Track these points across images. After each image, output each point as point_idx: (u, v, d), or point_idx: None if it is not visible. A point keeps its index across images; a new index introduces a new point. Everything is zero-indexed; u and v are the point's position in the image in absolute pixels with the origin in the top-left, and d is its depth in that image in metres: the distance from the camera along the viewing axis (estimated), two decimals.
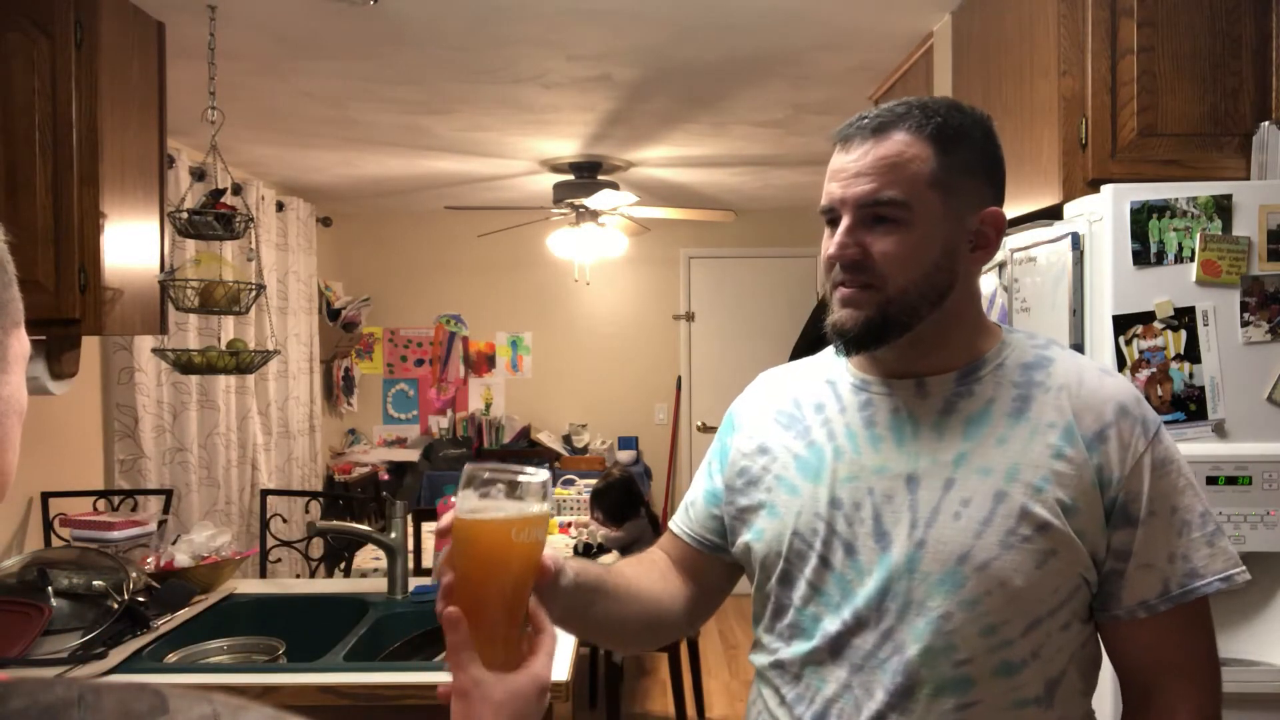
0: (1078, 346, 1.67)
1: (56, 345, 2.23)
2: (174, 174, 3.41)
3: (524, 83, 3.05)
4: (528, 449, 5.58)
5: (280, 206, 4.66)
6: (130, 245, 2.25)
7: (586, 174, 4.33)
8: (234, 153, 3.94)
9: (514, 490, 0.83)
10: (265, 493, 3.40)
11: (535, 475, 0.84)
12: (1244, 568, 0.98)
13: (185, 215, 2.37)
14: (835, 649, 0.99)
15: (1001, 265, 1.99)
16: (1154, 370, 1.62)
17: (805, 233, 5.63)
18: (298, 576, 4.11)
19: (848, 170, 0.99)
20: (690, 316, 5.91)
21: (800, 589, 1.03)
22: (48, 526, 2.87)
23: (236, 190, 3.84)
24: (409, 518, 2.70)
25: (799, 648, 1.03)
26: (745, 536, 1.09)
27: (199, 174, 2.98)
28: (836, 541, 1.00)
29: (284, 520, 3.84)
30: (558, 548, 2.03)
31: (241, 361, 2.47)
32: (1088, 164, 1.76)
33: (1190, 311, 1.61)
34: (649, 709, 3.97)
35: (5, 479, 0.63)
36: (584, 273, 5.29)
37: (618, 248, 4.79)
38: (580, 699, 3.95)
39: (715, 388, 5.82)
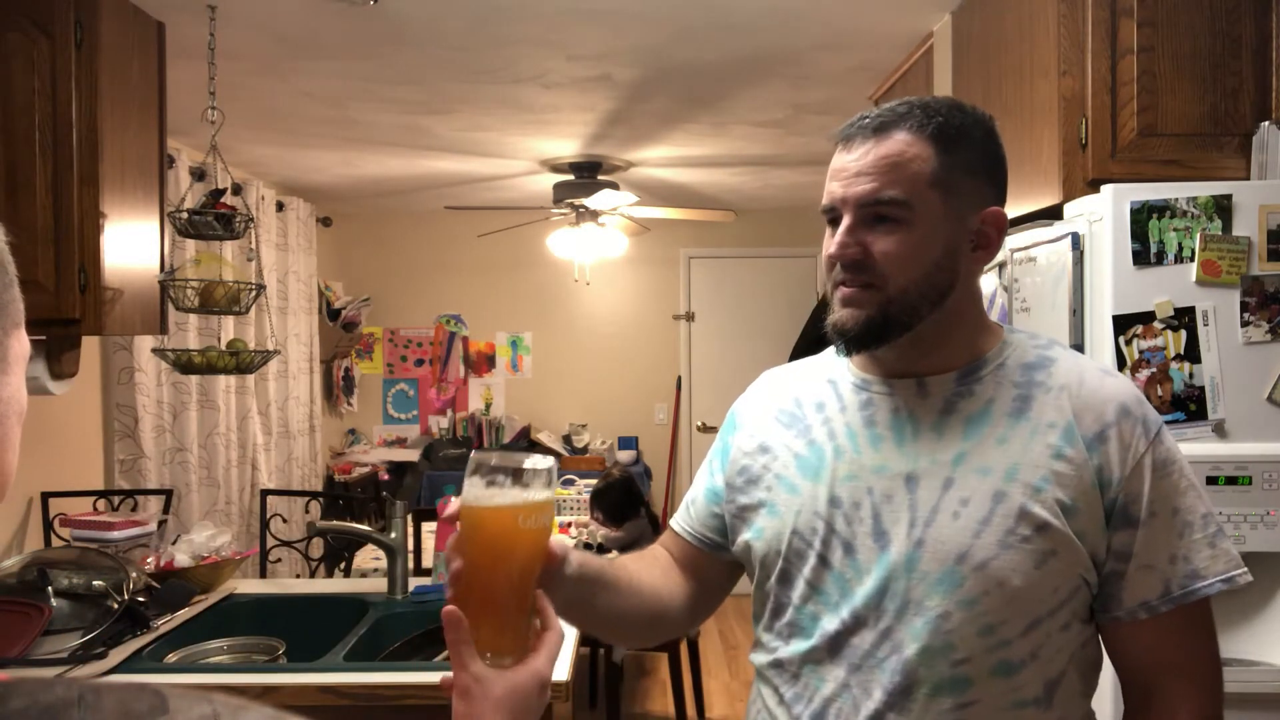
0: (1078, 346, 1.67)
1: (56, 345, 2.23)
2: (174, 174, 3.41)
3: (524, 83, 3.05)
4: (528, 449, 5.58)
5: (280, 206, 4.66)
6: (130, 245, 2.25)
7: (586, 174, 4.33)
8: (234, 153, 3.94)
9: (520, 477, 0.84)
10: (265, 493, 3.40)
11: (541, 462, 0.85)
12: (1246, 569, 0.97)
13: (185, 215, 2.37)
14: (834, 648, 1.00)
15: (1001, 265, 1.99)
16: (1154, 370, 1.62)
17: (805, 233, 5.63)
18: (298, 576, 4.11)
19: (849, 170, 0.99)
20: (690, 316, 5.91)
21: (799, 588, 1.03)
22: (48, 526, 2.87)
23: (236, 190, 3.84)
24: (409, 518, 2.70)
25: (798, 647, 1.03)
26: (745, 535, 1.09)
27: (199, 174, 2.98)
28: (835, 540, 1.01)
29: (284, 520, 3.84)
30: None
31: (241, 361, 2.47)
32: (1088, 164, 1.76)
33: (1190, 311, 1.61)
34: (649, 709, 3.97)
35: (5, 479, 0.63)
36: (584, 273, 5.30)
37: (618, 248, 4.79)
38: (580, 699, 3.95)
39: (715, 388, 5.82)
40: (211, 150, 2.37)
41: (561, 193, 4.32)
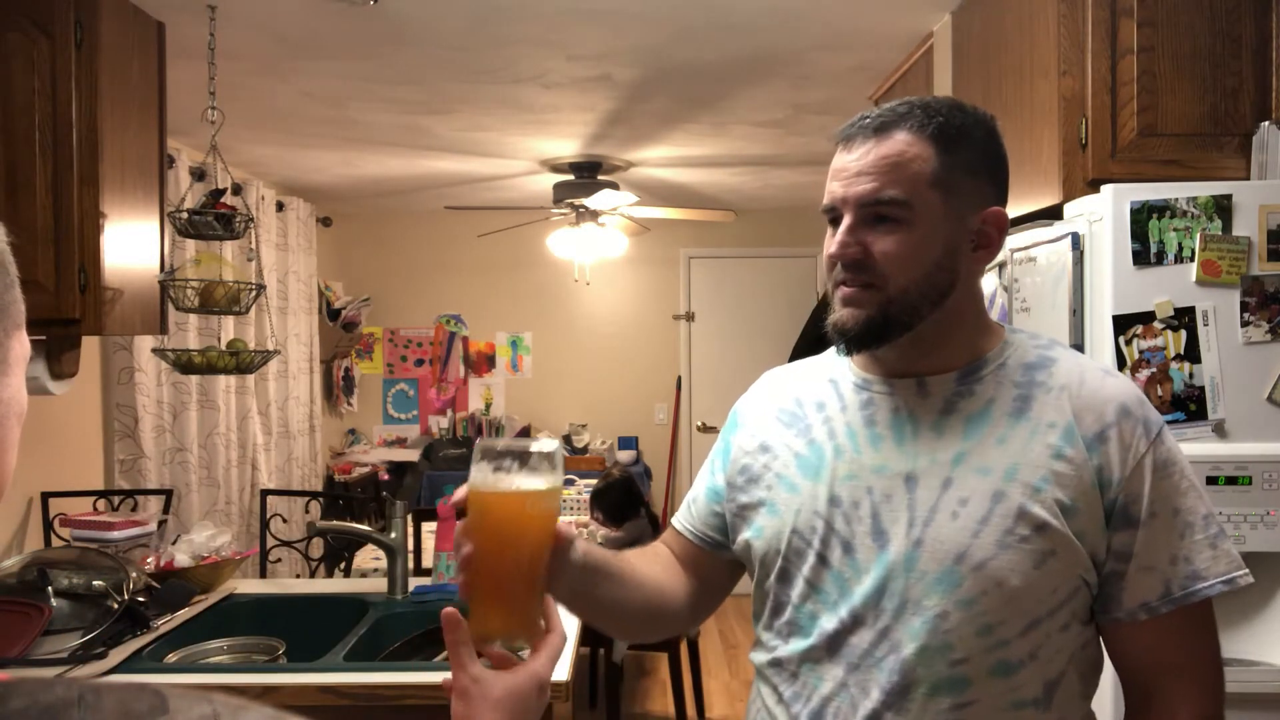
0: (1078, 346, 1.67)
1: (56, 345, 2.23)
2: (174, 174, 3.41)
3: (524, 83, 3.05)
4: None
5: (280, 206, 4.66)
6: (130, 245, 2.25)
7: (586, 174, 4.33)
8: (234, 153, 3.94)
9: (526, 461, 0.85)
10: (265, 493, 3.40)
11: (546, 446, 0.86)
12: (1247, 570, 0.97)
13: (185, 215, 2.37)
14: (832, 647, 1.00)
15: (1001, 265, 1.99)
16: (1154, 370, 1.62)
17: (805, 233, 5.63)
18: (298, 576, 4.11)
19: (849, 169, 0.99)
20: (690, 316, 5.91)
21: (798, 586, 1.03)
22: (48, 526, 2.87)
23: (236, 190, 3.84)
24: (409, 518, 2.70)
25: (796, 645, 1.03)
26: (745, 534, 1.09)
27: (199, 174, 2.98)
28: (835, 540, 1.01)
29: (284, 520, 3.84)
30: None
31: (241, 361, 2.47)
32: (1088, 164, 1.76)
33: (1190, 311, 1.61)
34: (649, 709, 3.97)
35: (3, 481, 0.63)
36: (584, 273, 5.30)
37: (618, 248, 4.79)
38: (580, 699, 3.95)
39: (715, 388, 5.82)
40: (211, 150, 2.37)
41: (561, 193, 4.32)
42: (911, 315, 0.98)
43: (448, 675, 0.85)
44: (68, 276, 2.06)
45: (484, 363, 5.94)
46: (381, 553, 2.63)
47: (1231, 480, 1.58)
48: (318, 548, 3.78)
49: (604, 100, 3.28)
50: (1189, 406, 1.61)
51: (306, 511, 4.43)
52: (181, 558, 2.35)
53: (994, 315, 1.98)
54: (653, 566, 1.15)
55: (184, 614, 2.19)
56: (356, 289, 5.78)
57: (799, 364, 1.18)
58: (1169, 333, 1.61)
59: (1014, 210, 1.86)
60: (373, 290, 5.81)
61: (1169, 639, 0.97)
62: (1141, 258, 1.62)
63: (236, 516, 4.08)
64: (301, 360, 4.90)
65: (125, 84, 2.21)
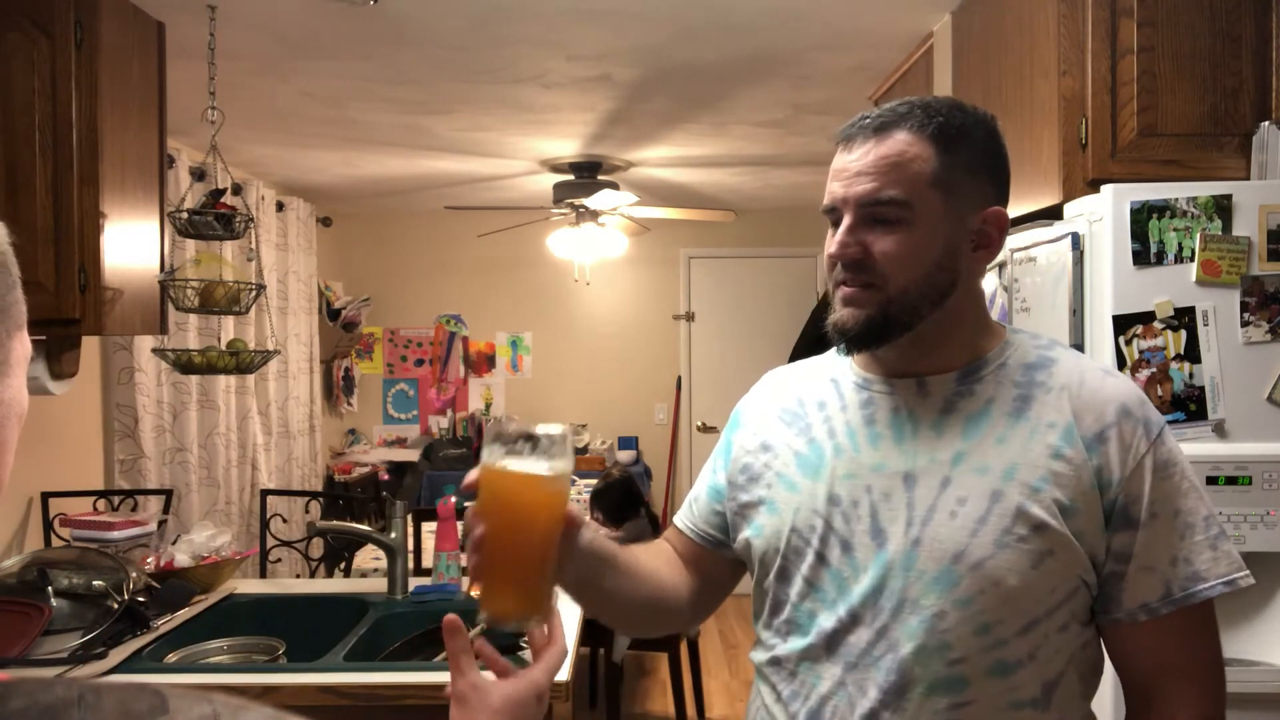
0: (1078, 346, 1.67)
1: (56, 345, 2.23)
2: (174, 174, 3.41)
3: (524, 83, 3.05)
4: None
5: (280, 206, 4.66)
6: (130, 245, 2.25)
7: (586, 174, 4.33)
8: (234, 153, 3.94)
9: (537, 444, 0.87)
10: (265, 493, 3.40)
11: (556, 429, 0.88)
12: (1247, 571, 0.97)
13: (185, 215, 2.37)
14: (830, 646, 1.00)
15: (1001, 265, 1.99)
16: (1154, 370, 1.62)
17: (805, 233, 5.63)
18: (298, 576, 4.11)
19: (849, 170, 0.99)
20: (690, 316, 5.91)
21: (797, 585, 1.03)
22: (48, 526, 2.87)
23: (236, 190, 3.84)
24: (409, 518, 2.70)
25: (795, 644, 1.03)
26: (746, 532, 1.10)
27: (199, 174, 2.98)
28: (834, 538, 1.01)
29: (284, 520, 3.84)
30: None
31: (241, 361, 2.47)
32: (1088, 164, 1.76)
33: (1190, 311, 1.61)
34: (649, 709, 3.97)
35: (1, 481, 0.63)
36: (584, 273, 5.30)
37: (618, 248, 4.79)
38: (580, 699, 3.95)
39: (715, 388, 5.82)
40: (211, 150, 2.37)
41: (561, 193, 4.32)
42: (911, 315, 0.98)
43: (446, 679, 0.86)
44: (68, 276, 2.06)
45: (484, 363, 5.94)
46: (381, 553, 2.63)
47: (1231, 480, 1.58)
48: (318, 548, 3.78)
49: (604, 100, 3.28)
50: (1189, 406, 1.61)
51: (306, 511, 4.43)
52: (181, 558, 2.35)
53: (994, 315, 1.97)
54: (656, 561, 1.16)
55: (184, 614, 2.19)
56: (356, 289, 5.78)
57: (801, 364, 1.19)
58: (1169, 333, 1.62)
59: (1014, 210, 1.86)
60: (373, 290, 5.81)
61: (1169, 640, 0.97)
62: (1141, 258, 1.62)
63: (236, 516, 4.08)
64: (301, 360, 4.90)
65: (125, 84, 2.21)
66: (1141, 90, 1.75)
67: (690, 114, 3.49)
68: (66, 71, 2.05)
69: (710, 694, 4.01)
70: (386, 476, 5.39)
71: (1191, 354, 1.61)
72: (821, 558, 1.01)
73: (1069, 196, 1.77)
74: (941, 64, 2.48)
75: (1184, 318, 1.61)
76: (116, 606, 2.02)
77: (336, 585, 2.68)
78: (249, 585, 2.49)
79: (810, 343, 4.90)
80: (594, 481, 4.01)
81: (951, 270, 0.99)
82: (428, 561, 3.27)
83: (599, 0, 2.36)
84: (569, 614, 2.11)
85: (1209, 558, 0.96)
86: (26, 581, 2.04)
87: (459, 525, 2.40)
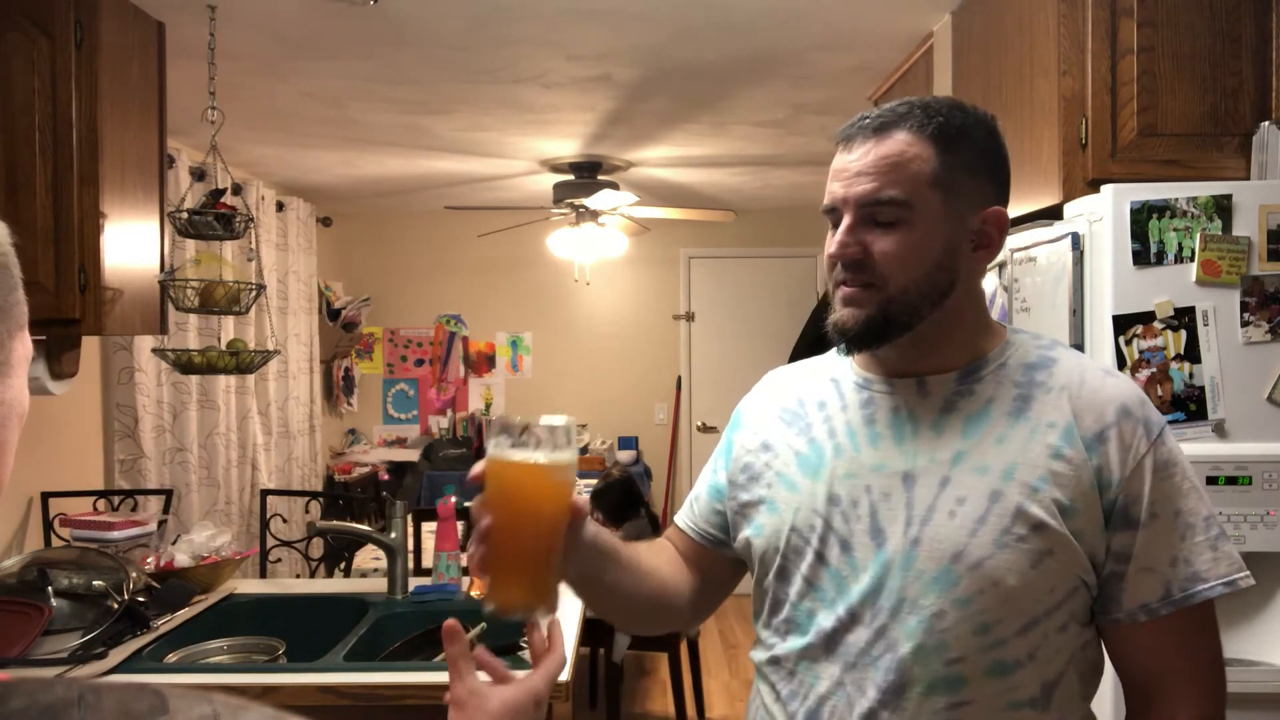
0: (1078, 346, 1.67)
1: (56, 345, 2.23)
2: (174, 174, 3.41)
3: (524, 83, 3.05)
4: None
5: (280, 206, 4.66)
6: (130, 245, 2.25)
7: (586, 174, 4.33)
8: (234, 153, 3.94)
9: (543, 435, 0.88)
10: (265, 493, 3.40)
11: (560, 421, 0.89)
12: (1248, 572, 0.97)
13: (185, 215, 2.37)
14: (829, 645, 1.00)
15: (1001, 265, 1.99)
16: (1154, 370, 1.62)
17: (805, 233, 5.63)
18: (298, 576, 4.11)
19: (849, 170, 0.99)
20: (690, 316, 5.91)
21: (796, 584, 1.03)
22: (48, 526, 2.87)
23: (236, 190, 3.84)
24: (409, 518, 2.70)
25: (794, 643, 1.03)
26: (746, 532, 1.10)
27: (199, 174, 2.98)
28: (833, 538, 1.01)
29: (284, 520, 3.84)
30: None
31: (241, 361, 2.47)
32: (1088, 164, 1.76)
33: (1190, 311, 1.61)
34: (649, 709, 3.97)
35: (1, 482, 0.63)
36: (584, 273, 5.30)
37: (618, 248, 4.79)
38: (580, 699, 3.96)
39: (715, 388, 5.82)
40: (211, 150, 2.37)
41: (561, 193, 4.32)
42: (911, 315, 0.98)
43: (446, 680, 0.87)
44: (68, 276, 2.07)
45: (484, 363, 5.94)
46: (381, 553, 2.63)
47: (1231, 480, 1.58)
48: (318, 548, 3.78)
49: (604, 100, 3.28)
50: (1189, 406, 1.61)
51: (306, 511, 4.43)
52: (181, 558, 2.35)
53: (994, 315, 1.97)
54: (659, 559, 1.17)
55: (184, 614, 2.19)
56: (356, 289, 5.78)
57: (802, 364, 1.19)
58: (1169, 333, 1.62)
59: (1014, 210, 1.86)
60: (373, 290, 5.81)
61: (1169, 641, 0.97)
62: (1141, 258, 1.62)
63: (236, 516, 4.08)
64: (301, 360, 4.90)
65: (125, 84, 2.21)
66: (1141, 90, 1.75)
67: (690, 114, 3.49)
68: (66, 71, 2.05)
69: (710, 694, 4.01)
70: (386, 476, 5.39)
71: (1191, 354, 1.61)
72: (821, 557, 1.01)
73: (1069, 196, 1.77)
74: (941, 64, 2.48)
75: (1184, 318, 1.61)
76: (116, 606, 2.02)
77: (336, 585, 2.68)
78: (249, 585, 2.49)
79: (810, 343, 4.90)
80: (594, 481, 4.01)
81: (951, 270, 0.99)
82: (428, 561, 3.27)
83: (599, 0, 2.36)
84: (569, 614, 2.11)
85: (1209, 558, 0.95)
86: (26, 581, 2.04)
87: (459, 525, 2.40)
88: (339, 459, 5.45)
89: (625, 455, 5.68)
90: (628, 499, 3.72)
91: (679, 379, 5.91)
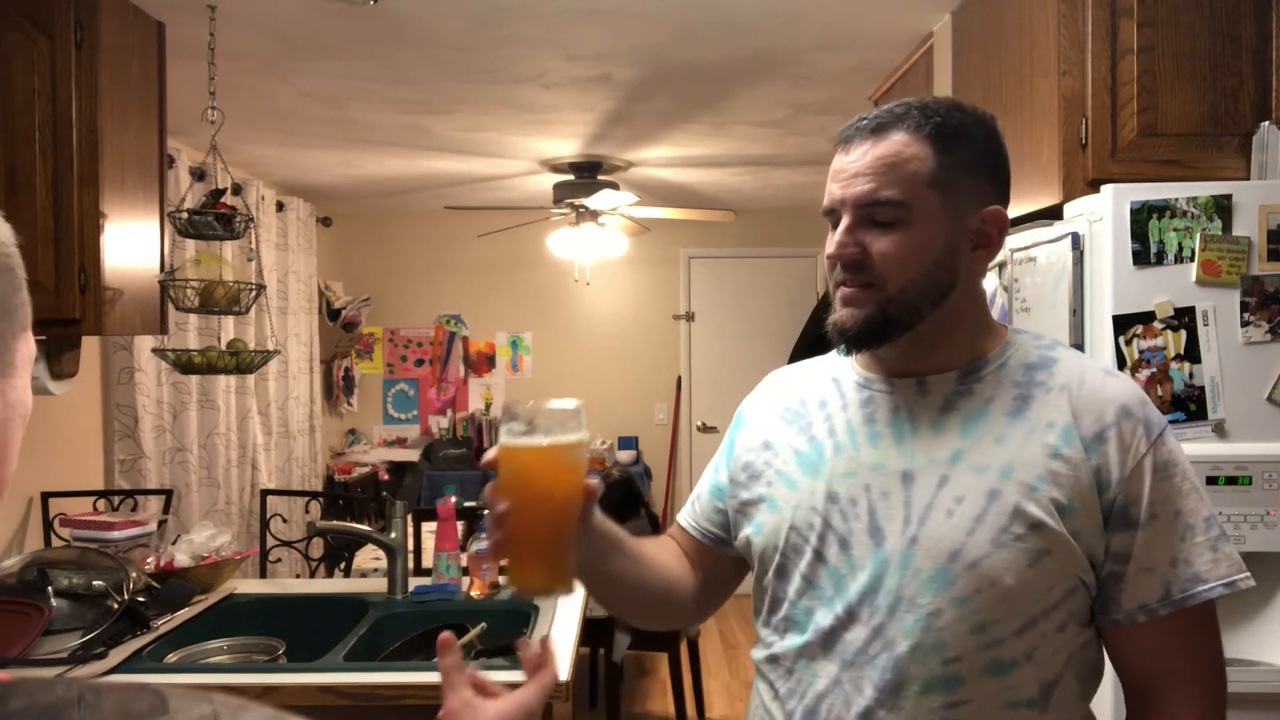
0: (1078, 346, 1.67)
1: (56, 345, 2.23)
2: (174, 174, 3.41)
3: (524, 83, 3.05)
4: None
5: (280, 206, 4.66)
6: (130, 245, 2.25)
7: (586, 174, 4.33)
8: (234, 153, 3.94)
9: (554, 418, 0.90)
10: (265, 493, 3.40)
11: (570, 404, 0.91)
12: (1248, 573, 0.97)
13: (185, 215, 2.37)
14: (827, 643, 1.00)
15: (1001, 265, 1.99)
16: (1154, 370, 1.62)
17: (805, 233, 5.63)
18: (298, 576, 4.11)
19: (847, 170, 0.99)
20: (690, 316, 5.91)
21: (795, 582, 1.03)
22: (48, 526, 2.87)
23: (236, 190, 3.84)
24: (409, 518, 2.70)
25: (792, 641, 1.03)
26: (746, 530, 1.10)
27: (199, 174, 2.98)
28: (832, 536, 1.01)
29: (284, 520, 3.84)
30: None
31: (241, 361, 2.47)
32: (1088, 164, 1.76)
33: (1190, 311, 1.61)
34: (649, 709, 3.97)
35: (3, 482, 0.63)
36: (584, 273, 5.30)
37: (618, 248, 4.79)
38: (580, 699, 3.96)
39: (715, 388, 5.82)
40: (211, 150, 2.37)
41: (561, 193, 4.32)
42: (911, 315, 0.98)
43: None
44: (68, 276, 2.07)
45: (484, 363, 5.94)
46: (381, 553, 2.63)
47: (1231, 480, 1.58)
48: (318, 548, 3.78)
49: (604, 100, 3.28)
50: (1189, 406, 1.61)
51: (306, 511, 4.43)
52: (181, 558, 2.35)
53: (994, 315, 1.97)
54: (663, 553, 1.18)
55: (184, 614, 2.19)
56: (356, 289, 5.78)
57: (804, 364, 1.19)
58: (1169, 333, 1.62)
59: (1014, 210, 1.85)
60: (373, 290, 5.81)
61: (1169, 641, 0.97)
62: (1141, 258, 1.62)
63: (236, 516, 4.08)
64: (301, 360, 4.90)
65: (125, 84, 2.21)
66: (1141, 90, 1.75)
67: (690, 114, 3.49)
68: (66, 71, 2.05)
69: (710, 694, 4.01)
70: (386, 476, 5.39)
71: (1191, 354, 1.61)
72: (819, 555, 1.01)
73: (1069, 196, 1.77)
74: (941, 64, 2.48)
75: (1184, 318, 1.61)
76: (116, 606, 2.02)
77: (336, 585, 2.68)
78: (249, 585, 2.49)
79: (810, 343, 4.91)
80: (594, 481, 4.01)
81: (951, 270, 0.99)
82: (428, 561, 3.26)
83: (599, 0, 2.36)
84: (569, 614, 2.11)
85: (1209, 559, 0.95)
86: (26, 581, 2.04)
87: (459, 525, 2.40)
88: (339, 459, 5.45)
89: (625, 455, 5.68)
90: (628, 499, 3.72)
91: (679, 379, 5.91)
